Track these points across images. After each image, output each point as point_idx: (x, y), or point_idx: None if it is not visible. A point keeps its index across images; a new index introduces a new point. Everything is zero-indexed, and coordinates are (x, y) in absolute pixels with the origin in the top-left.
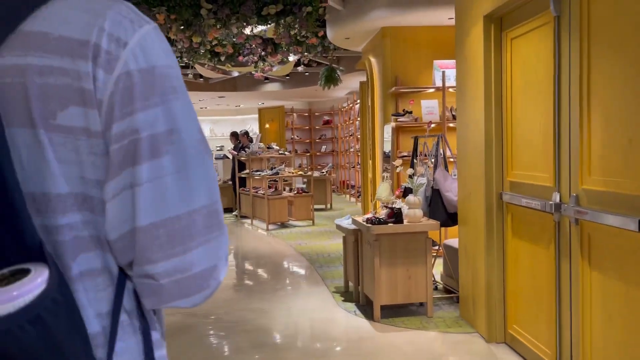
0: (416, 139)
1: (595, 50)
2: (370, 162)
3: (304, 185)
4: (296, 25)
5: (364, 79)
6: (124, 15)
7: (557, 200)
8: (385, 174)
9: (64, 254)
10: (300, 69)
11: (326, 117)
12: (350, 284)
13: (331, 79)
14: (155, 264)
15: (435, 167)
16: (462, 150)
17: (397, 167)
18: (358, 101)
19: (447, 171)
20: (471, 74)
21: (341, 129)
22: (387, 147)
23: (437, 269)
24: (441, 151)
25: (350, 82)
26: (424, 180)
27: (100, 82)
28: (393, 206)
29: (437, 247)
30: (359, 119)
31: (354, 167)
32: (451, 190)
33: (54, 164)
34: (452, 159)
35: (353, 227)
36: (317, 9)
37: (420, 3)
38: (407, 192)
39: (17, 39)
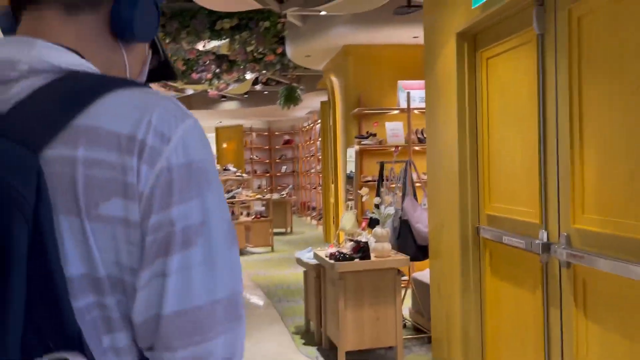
0: (382, 165)
1: (587, 72)
2: (333, 186)
3: (263, 209)
4: (252, 41)
5: (325, 98)
6: (169, 112)
7: (545, 239)
8: (349, 203)
9: (96, 331)
10: (258, 87)
11: (286, 137)
12: (312, 323)
13: (291, 99)
14: (174, 351)
15: (403, 195)
16: (433, 179)
17: (363, 196)
18: (319, 121)
19: (416, 200)
20: (443, 96)
21: (302, 149)
22: (351, 167)
23: (405, 304)
24: (412, 176)
25: (311, 102)
26: (391, 210)
27: (143, 176)
28: (359, 239)
29: (404, 278)
30: (320, 139)
31: (315, 188)
32: (421, 221)
33: (94, 250)
34: (419, 184)
35: (315, 261)
36: (275, 24)
37: (384, 20)
38: (373, 222)
39: (70, 132)
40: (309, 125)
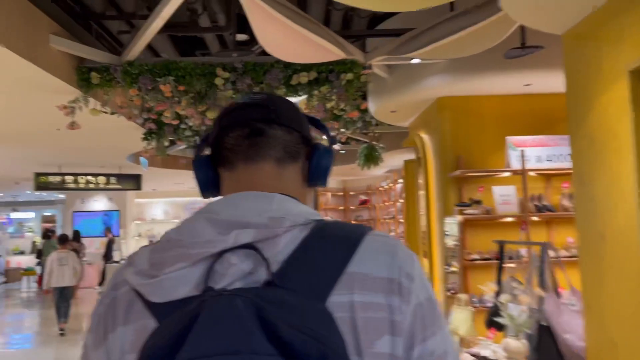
0: (502, 246)
1: None
2: (427, 260)
3: None
4: (333, 97)
5: (408, 156)
6: (405, 254)
7: None
8: (461, 296)
9: None
10: (336, 147)
11: (362, 197)
12: None
13: (371, 158)
14: None
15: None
16: (590, 271)
17: (487, 292)
18: (400, 180)
19: (557, 296)
20: (605, 155)
21: (379, 210)
22: (450, 239)
23: None
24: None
25: (391, 160)
26: (526, 314)
27: (404, 314)
28: (483, 354)
29: None
30: (400, 200)
31: None
32: (571, 330)
33: None
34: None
35: None
36: (359, 76)
37: (488, 68)
38: (494, 324)
39: (345, 279)
40: (387, 185)
